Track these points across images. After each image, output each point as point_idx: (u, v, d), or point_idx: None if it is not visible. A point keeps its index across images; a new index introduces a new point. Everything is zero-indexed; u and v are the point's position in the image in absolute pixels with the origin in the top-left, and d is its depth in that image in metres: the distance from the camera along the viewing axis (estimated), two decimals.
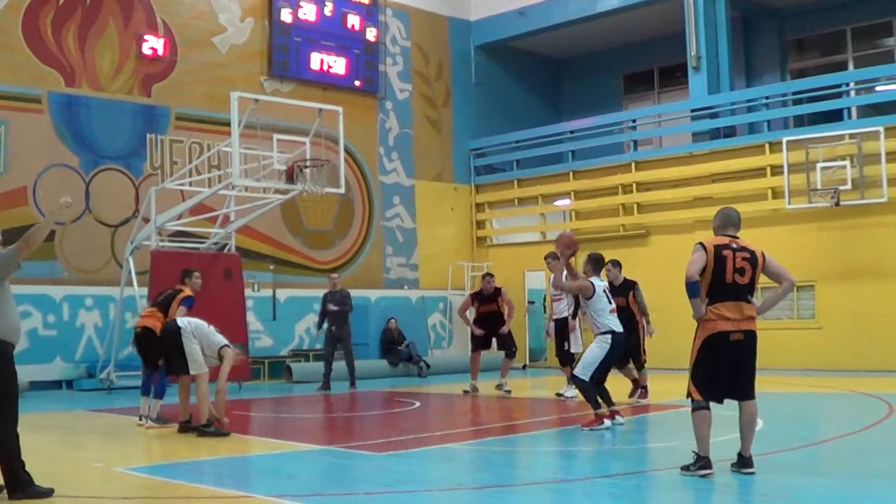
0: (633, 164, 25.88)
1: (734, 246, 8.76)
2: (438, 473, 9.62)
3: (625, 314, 14.93)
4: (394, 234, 27.22)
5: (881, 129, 21.02)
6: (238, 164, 17.60)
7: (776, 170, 22.74)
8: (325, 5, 25.66)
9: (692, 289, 8.62)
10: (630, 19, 27.64)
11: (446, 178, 28.75)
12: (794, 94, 24.03)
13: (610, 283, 15.42)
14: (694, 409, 8.67)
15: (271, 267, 23.89)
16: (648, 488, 8.54)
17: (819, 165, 21.51)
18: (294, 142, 18.97)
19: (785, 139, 22.22)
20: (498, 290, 18.58)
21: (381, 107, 27.20)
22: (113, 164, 21.90)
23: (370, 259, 26.41)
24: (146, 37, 22.55)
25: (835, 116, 23.45)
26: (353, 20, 26.31)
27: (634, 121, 27.35)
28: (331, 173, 18.77)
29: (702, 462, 8.55)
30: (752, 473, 8.52)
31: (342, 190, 19.31)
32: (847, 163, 21.31)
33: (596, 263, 13.15)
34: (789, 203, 21.98)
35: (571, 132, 27.79)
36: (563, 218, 27.91)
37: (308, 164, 18.37)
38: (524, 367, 26.63)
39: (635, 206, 25.66)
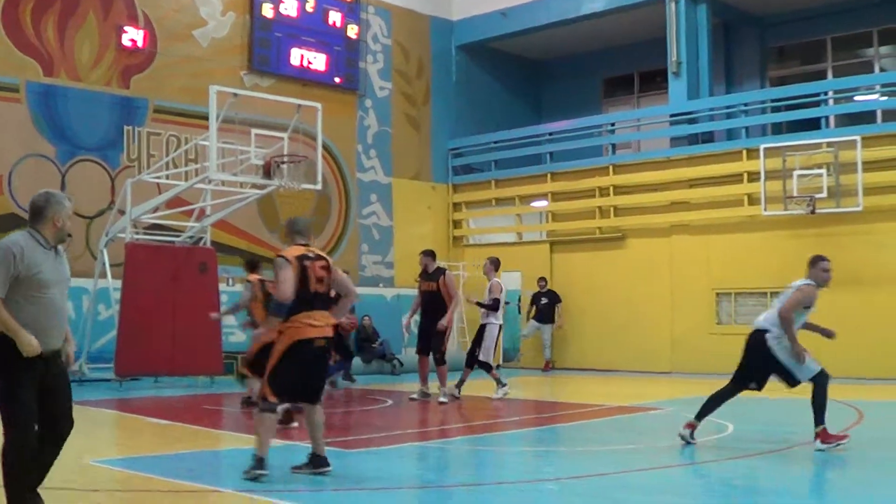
0: (610, 168, 25.90)
1: (311, 255, 8.96)
2: (409, 471, 9.62)
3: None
4: (370, 231, 27.18)
5: (858, 138, 21.09)
6: (215, 158, 17.55)
7: (753, 176, 22.81)
8: (306, 1, 25.59)
9: (281, 310, 8.74)
10: (612, 23, 27.67)
11: (424, 176, 28.72)
12: (772, 101, 24.12)
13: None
14: (263, 410, 8.81)
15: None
16: (617, 489, 8.55)
17: (796, 173, 21.56)
18: (272, 137, 18.94)
19: (762, 146, 22.28)
20: (440, 271, 16.56)
21: (361, 104, 27.15)
22: (90, 156, 21.78)
23: (346, 257, 26.33)
24: (126, 28, 22.42)
25: (813, 125, 23.55)
26: (335, 17, 26.26)
27: (613, 124, 27.40)
28: (308, 169, 18.75)
29: (259, 464, 8.63)
30: (329, 472, 8.76)
31: (319, 186, 19.28)
32: (823, 171, 21.38)
33: None
34: (765, 210, 22.04)
35: (550, 134, 27.81)
36: (540, 219, 27.92)
37: (285, 159, 18.34)
38: (497, 367, 26.57)
39: (612, 209, 25.70)
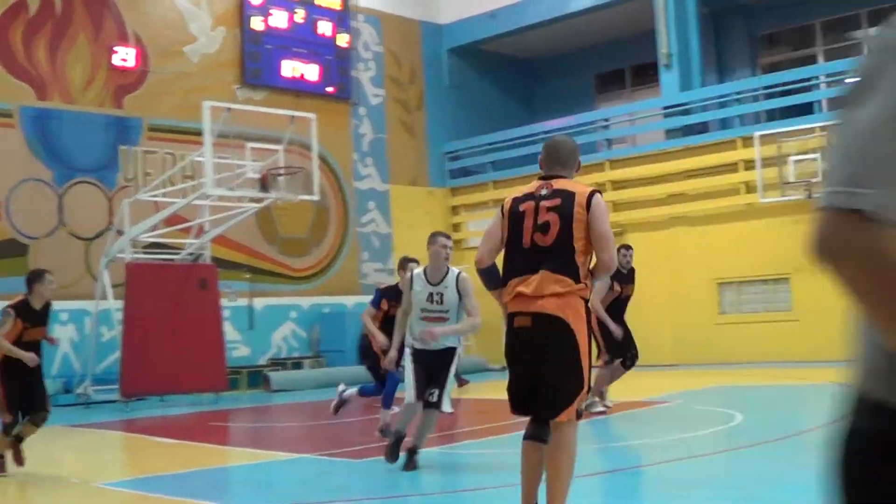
0: (607, 163, 25.91)
1: (542, 193, 6.28)
2: (420, 479, 9.60)
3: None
4: (369, 239, 27.16)
5: None
6: (211, 173, 17.58)
7: (749, 164, 22.81)
8: (295, 12, 25.60)
9: (488, 281, 6.46)
10: (600, 19, 27.67)
11: (421, 181, 28.72)
12: (764, 88, 24.14)
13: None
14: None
15: (247, 276, 23.79)
16: (635, 485, 8.54)
17: (791, 159, 21.59)
18: (267, 150, 18.96)
19: (757, 134, 22.29)
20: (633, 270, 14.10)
21: (355, 112, 27.15)
22: (86, 177, 21.78)
23: (346, 265, 26.34)
24: (117, 48, 22.43)
25: (806, 110, 23.55)
26: (325, 27, 26.26)
27: (607, 120, 27.42)
28: (305, 180, 18.77)
29: None
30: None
31: (317, 197, 19.30)
32: (819, 155, 21.38)
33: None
34: (763, 197, 22.05)
35: (545, 133, 27.80)
36: None
37: (282, 171, 18.36)
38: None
39: (610, 204, 25.64)
